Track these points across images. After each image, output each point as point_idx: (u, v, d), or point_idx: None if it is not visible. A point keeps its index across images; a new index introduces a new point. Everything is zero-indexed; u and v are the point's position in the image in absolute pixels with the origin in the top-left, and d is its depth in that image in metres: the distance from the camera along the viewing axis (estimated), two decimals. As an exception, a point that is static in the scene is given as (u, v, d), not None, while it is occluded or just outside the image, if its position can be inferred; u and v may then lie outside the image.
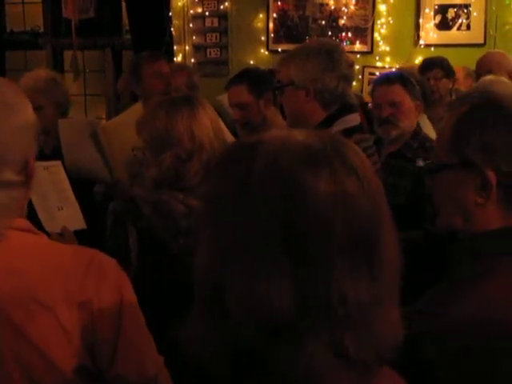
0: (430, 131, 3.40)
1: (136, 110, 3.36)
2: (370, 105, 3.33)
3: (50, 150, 3.23)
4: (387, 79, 3.19)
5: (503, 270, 1.35)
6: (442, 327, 1.30)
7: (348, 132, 2.44)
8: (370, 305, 0.86)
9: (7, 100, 1.32)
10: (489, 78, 3.90)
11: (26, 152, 1.34)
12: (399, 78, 3.19)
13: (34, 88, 3.24)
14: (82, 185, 2.60)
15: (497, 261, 1.36)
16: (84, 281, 1.33)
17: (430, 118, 3.66)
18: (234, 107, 3.45)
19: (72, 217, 2.30)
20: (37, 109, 3.30)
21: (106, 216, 2.97)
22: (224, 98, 3.84)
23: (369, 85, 6.26)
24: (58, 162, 2.47)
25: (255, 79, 3.41)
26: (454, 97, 4.48)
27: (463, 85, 5.08)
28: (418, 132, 3.17)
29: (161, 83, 3.80)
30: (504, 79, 3.86)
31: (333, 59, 2.47)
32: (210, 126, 2.19)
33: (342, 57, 2.52)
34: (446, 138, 1.45)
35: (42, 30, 7.58)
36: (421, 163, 2.92)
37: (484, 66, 4.64)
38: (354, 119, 2.52)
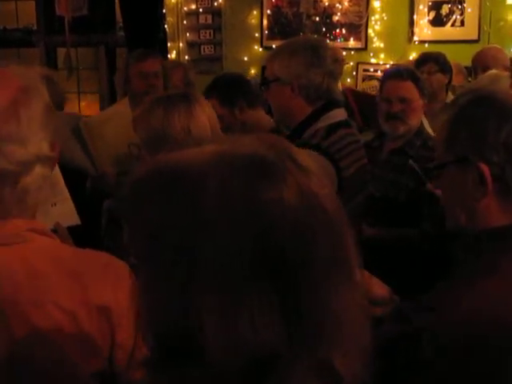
0: (426, 126, 3.39)
1: (120, 106, 3.35)
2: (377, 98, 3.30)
3: None
4: (400, 74, 3.17)
5: (505, 267, 1.35)
6: (442, 323, 1.30)
7: (333, 127, 2.44)
8: (354, 314, 0.81)
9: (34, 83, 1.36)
10: (493, 72, 3.90)
11: (53, 133, 1.34)
12: (411, 74, 3.17)
13: None
14: (75, 179, 2.57)
15: (499, 258, 1.36)
16: (102, 285, 1.32)
17: (424, 114, 3.66)
18: None
19: (66, 213, 2.28)
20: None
21: (97, 211, 2.95)
22: None
23: (363, 81, 6.27)
24: None
25: (224, 90, 3.36)
26: (449, 93, 4.47)
27: (455, 81, 5.08)
28: (421, 130, 3.16)
29: (142, 83, 3.78)
30: (505, 74, 3.87)
31: (318, 55, 2.47)
32: (207, 123, 2.17)
33: (327, 53, 2.51)
34: (441, 137, 1.47)
35: (35, 27, 7.57)
36: (411, 162, 2.92)
37: (480, 61, 4.64)
38: (340, 114, 2.52)
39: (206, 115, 2.18)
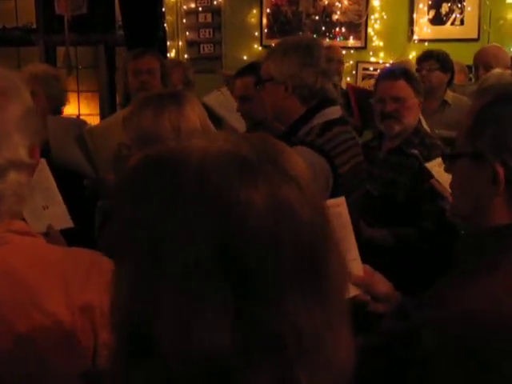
0: (423, 124, 3.39)
1: (124, 113, 3.34)
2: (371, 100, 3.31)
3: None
4: (392, 74, 3.17)
5: (507, 266, 1.35)
6: (441, 319, 1.29)
7: (328, 124, 2.45)
8: (325, 329, 0.76)
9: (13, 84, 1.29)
10: (498, 71, 3.91)
11: (33, 138, 1.29)
12: (404, 73, 3.16)
13: (32, 74, 3.28)
14: (70, 181, 2.56)
15: (500, 257, 1.36)
16: (85, 284, 1.29)
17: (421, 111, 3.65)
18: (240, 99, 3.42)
19: (58, 215, 2.26)
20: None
21: (94, 212, 2.94)
22: (209, 99, 3.85)
23: (363, 80, 6.27)
24: (42, 160, 2.42)
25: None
26: (448, 92, 4.47)
27: (457, 80, 5.08)
28: (418, 128, 3.15)
29: (135, 81, 3.80)
30: (510, 72, 3.88)
31: (311, 55, 2.47)
32: (197, 123, 2.14)
33: (320, 52, 2.51)
34: (465, 126, 1.44)
35: (34, 26, 7.56)
36: (415, 151, 2.91)
37: (482, 60, 4.63)
38: (335, 112, 2.52)
39: (196, 115, 2.15)
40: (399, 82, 3.11)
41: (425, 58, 4.39)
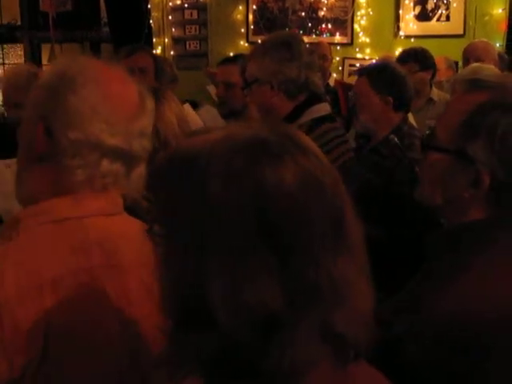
0: (411, 120, 3.38)
1: None
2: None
3: None
4: (359, 71, 3.22)
5: (480, 263, 1.34)
6: (424, 324, 1.29)
7: (317, 121, 2.44)
8: (353, 278, 0.87)
9: None
10: (476, 65, 3.91)
11: None
12: (367, 70, 3.19)
13: (15, 85, 3.19)
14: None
15: (474, 254, 1.35)
16: None
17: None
18: None
19: None
20: (16, 106, 3.22)
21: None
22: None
23: (349, 76, 6.26)
24: None
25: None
26: (434, 88, 4.47)
27: (445, 75, 5.08)
28: (399, 128, 3.07)
29: None
30: (491, 66, 3.88)
31: (290, 49, 2.48)
32: (174, 121, 2.13)
33: (301, 46, 2.53)
34: (453, 120, 1.39)
35: (19, 23, 7.51)
36: (393, 137, 2.88)
37: (472, 54, 4.64)
38: (323, 109, 2.52)
39: (173, 113, 2.14)
40: (361, 79, 3.15)
41: (404, 61, 4.33)
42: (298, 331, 0.83)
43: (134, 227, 1.39)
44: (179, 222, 0.87)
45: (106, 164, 1.32)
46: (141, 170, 1.39)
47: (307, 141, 0.91)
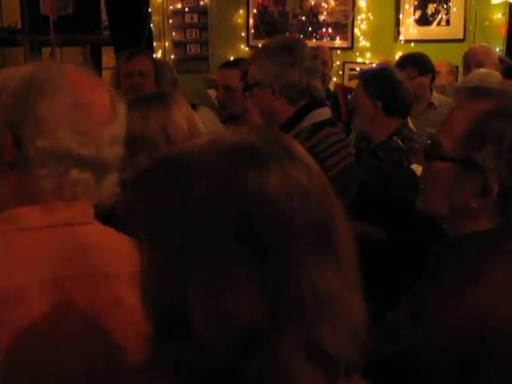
0: (410, 125, 3.38)
1: None
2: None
3: None
4: (359, 74, 3.23)
5: (488, 273, 1.33)
6: (438, 338, 1.27)
7: (317, 126, 2.44)
8: (340, 292, 0.84)
9: None
10: (483, 71, 3.92)
11: None
12: (362, 73, 3.21)
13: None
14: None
15: (481, 263, 1.34)
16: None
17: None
18: None
19: None
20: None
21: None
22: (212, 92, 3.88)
23: (349, 80, 6.27)
24: None
25: None
26: (434, 92, 4.47)
27: (446, 80, 5.09)
28: (399, 132, 3.06)
29: (127, 83, 3.77)
30: (496, 73, 3.89)
31: (293, 54, 2.48)
32: (185, 124, 2.13)
33: (303, 51, 2.53)
34: (458, 129, 1.38)
35: (19, 26, 7.52)
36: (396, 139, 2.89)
37: (473, 59, 4.65)
38: (324, 113, 2.52)
39: (183, 116, 2.14)
40: (357, 83, 3.16)
41: (402, 66, 4.32)
42: (279, 347, 0.80)
43: (106, 236, 1.37)
44: (162, 225, 0.85)
45: (75, 173, 1.29)
46: (113, 178, 1.36)
47: (298, 149, 0.89)
